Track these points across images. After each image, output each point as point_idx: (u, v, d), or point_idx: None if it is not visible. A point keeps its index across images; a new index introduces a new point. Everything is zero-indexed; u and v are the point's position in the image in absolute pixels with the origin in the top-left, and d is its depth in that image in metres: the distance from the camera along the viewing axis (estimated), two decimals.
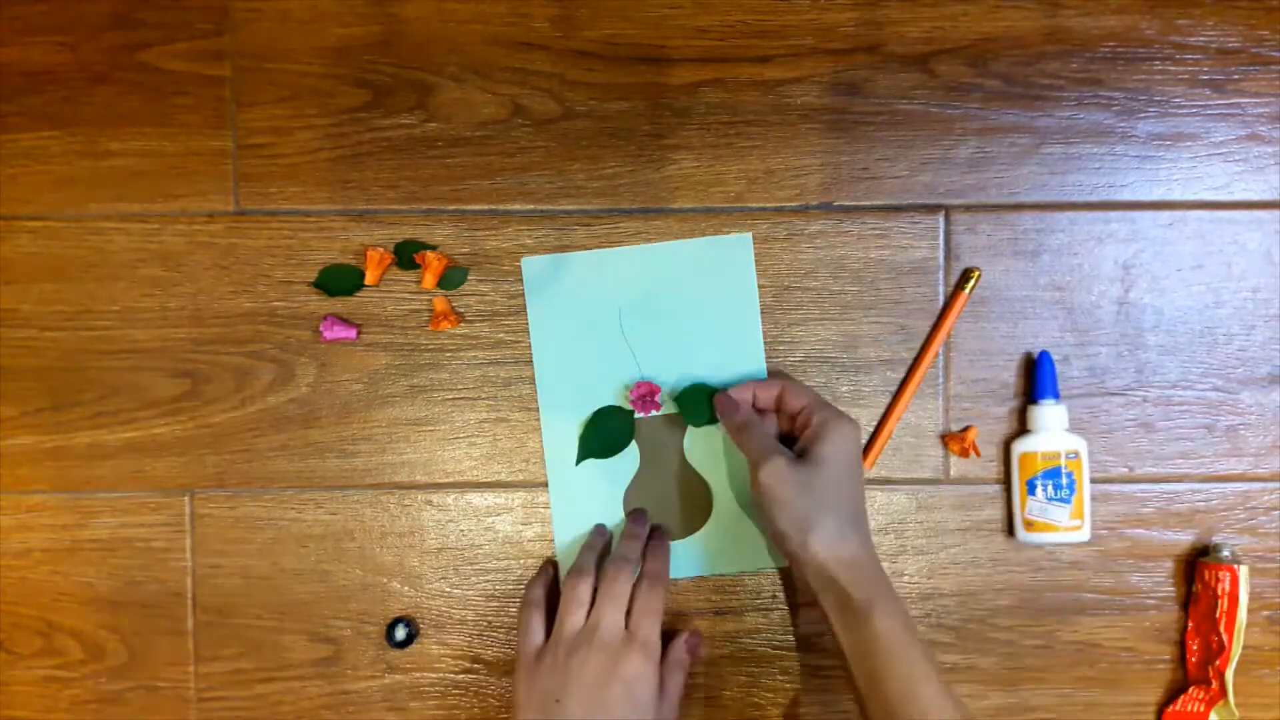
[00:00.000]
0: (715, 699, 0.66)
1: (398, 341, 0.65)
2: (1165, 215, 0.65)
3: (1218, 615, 0.63)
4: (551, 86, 0.65)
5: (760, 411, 0.63)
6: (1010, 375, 0.65)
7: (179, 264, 0.65)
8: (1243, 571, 0.63)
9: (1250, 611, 0.63)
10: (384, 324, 0.65)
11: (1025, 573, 0.65)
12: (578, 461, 0.65)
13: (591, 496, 0.65)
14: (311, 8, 0.65)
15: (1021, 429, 0.65)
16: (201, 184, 0.65)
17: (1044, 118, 0.65)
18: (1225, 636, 0.63)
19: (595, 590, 0.60)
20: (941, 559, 0.65)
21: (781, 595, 0.65)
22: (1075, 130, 0.65)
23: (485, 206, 0.65)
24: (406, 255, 0.64)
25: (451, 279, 0.65)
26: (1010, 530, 0.65)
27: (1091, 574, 0.65)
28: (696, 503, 0.65)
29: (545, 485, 0.65)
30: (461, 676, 0.66)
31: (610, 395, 0.65)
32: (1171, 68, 0.65)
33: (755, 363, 0.65)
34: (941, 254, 0.65)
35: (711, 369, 0.65)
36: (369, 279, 0.64)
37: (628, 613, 0.59)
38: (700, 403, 0.64)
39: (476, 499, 0.66)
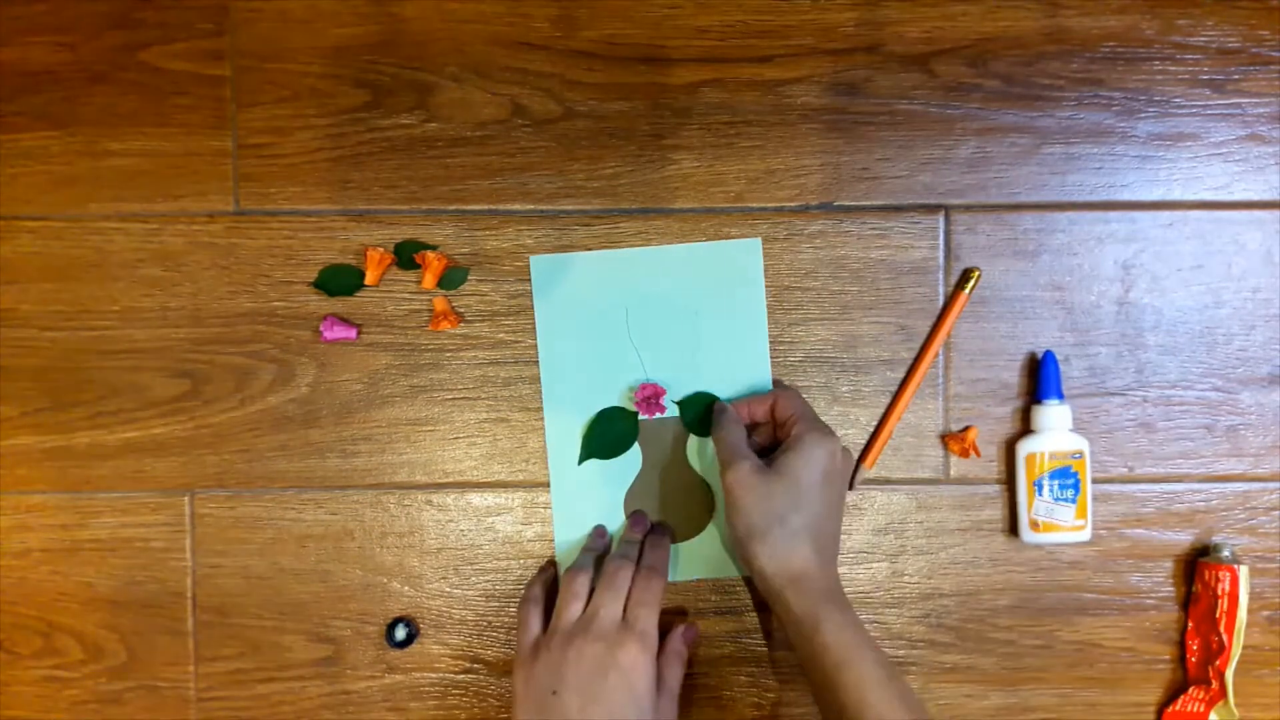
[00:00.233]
0: (715, 699, 0.66)
1: (398, 341, 0.65)
2: (1165, 215, 0.65)
3: (1218, 615, 0.63)
4: (551, 86, 0.65)
5: (756, 424, 0.63)
6: (1010, 375, 0.65)
7: (179, 264, 0.65)
8: (1243, 571, 0.63)
9: (1250, 611, 0.63)
10: (384, 324, 0.65)
11: (1025, 573, 0.65)
12: (580, 461, 0.65)
13: (593, 496, 0.65)
14: (311, 8, 0.65)
15: (1023, 429, 0.65)
16: (201, 184, 0.65)
17: (1044, 118, 0.65)
18: (1225, 636, 0.63)
19: (593, 586, 0.60)
20: (941, 559, 0.65)
21: None
22: (1075, 130, 0.65)
23: (485, 206, 0.65)
24: (406, 255, 0.64)
25: (451, 279, 0.65)
26: (1011, 530, 0.65)
27: (1091, 574, 0.65)
28: (698, 506, 0.65)
29: (545, 485, 0.65)
30: (461, 676, 0.66)
31: (615, 396, 0.65)
32: (1171, 68, 0.65)
33: (761, 367, 0.65)
34: (941, 254, 0.65)
35: (717, 373, 0.65)
36: (369, 279, 0.64)
37: (625, 605, 0.59)
38: (702, 412, 0.64)
39: (476, 499, 0.66)
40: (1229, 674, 0.63)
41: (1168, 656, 0.65)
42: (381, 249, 0.64)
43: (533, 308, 0.65)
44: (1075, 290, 0.65)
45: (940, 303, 0.65)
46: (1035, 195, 0.65)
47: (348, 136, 0.65)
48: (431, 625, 0.66)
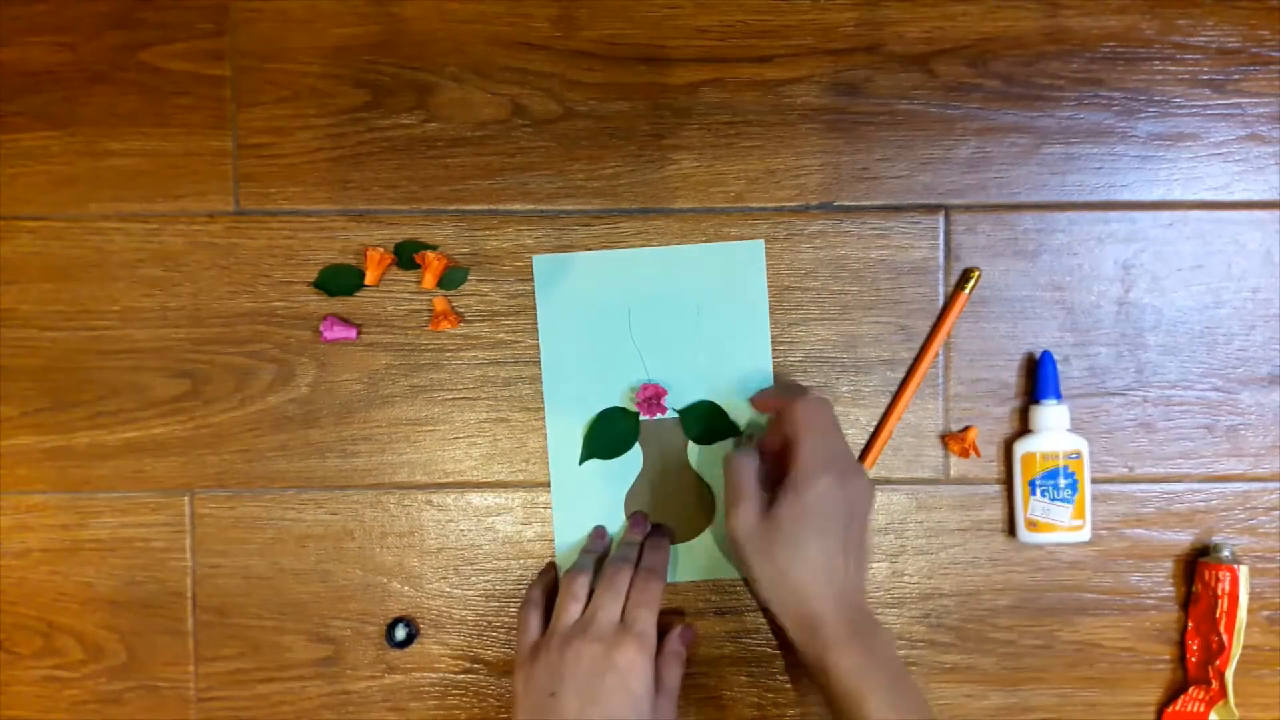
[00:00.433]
0: (715, 699, 0.66)
1: (398, 341, 0.65)
2: (1165, 215, 0.65)
3: (1218, 615, 0.63)
4: (551, 86, 0.65)
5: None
6: (1010, 375, 0.65)
7: (179, 264, 0.65)
8: (1243, 571, 0.63)
9: (1250, 611, 0.63)
10: (384, 324, 0.65)
11: (1025, 573, 0.65)
12: (581, 461, 0.65)
13: (593, 497, 0.65)
14: (311, 8, 0.65)
15: (1022, 429, 0.65)
16: (201, 184, 0.65)
17: (1044, 118, 0.65)
18: (1225, 636, 0.63)
19: (593, 588, 0.60)
20: (941, 559, 0.65)
21: None
22: (1075, 130, 0.65)
23: (485, 206, 0.65)
24: (406, 255, 0.64)
25: (451, 279, 0.65)
26: (1011, 530, 0.65)
27: (1091, 574, 0.65)
28: (698, 507, 0.65)
29: (545, 485, 0.65)
30: (461, 676, 0.66)
31: (616, 396, 0.65)
32: (1171, 68, 0.65)
33: (763, 368, 0.65)
34: (941, 254, 0.65)
35: (719, 374, 0.65)
36: (369, 279, 0.64)
37: (624, 607, 0.59)
38: (704, 420, 0.64)
39: (476, 499, 0.66)
40: (1229, 674, 0.63)
41: (1168, 656, 0.65)
42: (381, 249, 0.64)
43: (534, 307, 0.65)
44: (1075, 290, 0.65)
45: (940, 303, 0.65)
46: (1035, 195, 0.65)
47: (348, 136, 0.65)
48: (431, 625, 0.66)
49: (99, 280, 0.65)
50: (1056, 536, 0.63)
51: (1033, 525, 0.63)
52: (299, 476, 0.65)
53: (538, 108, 0.65)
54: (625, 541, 0.63)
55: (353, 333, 0.65)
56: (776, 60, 0.65)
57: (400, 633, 0.65)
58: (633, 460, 0.65)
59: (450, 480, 0.66)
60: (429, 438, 0.65)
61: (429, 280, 0.64)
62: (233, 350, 0.65)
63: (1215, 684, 0.63)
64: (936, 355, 0.65)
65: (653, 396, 0.64)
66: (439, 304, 0.65)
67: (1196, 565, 0.64)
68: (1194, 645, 0.65)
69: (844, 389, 0.65)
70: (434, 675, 0.66)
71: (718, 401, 0.65)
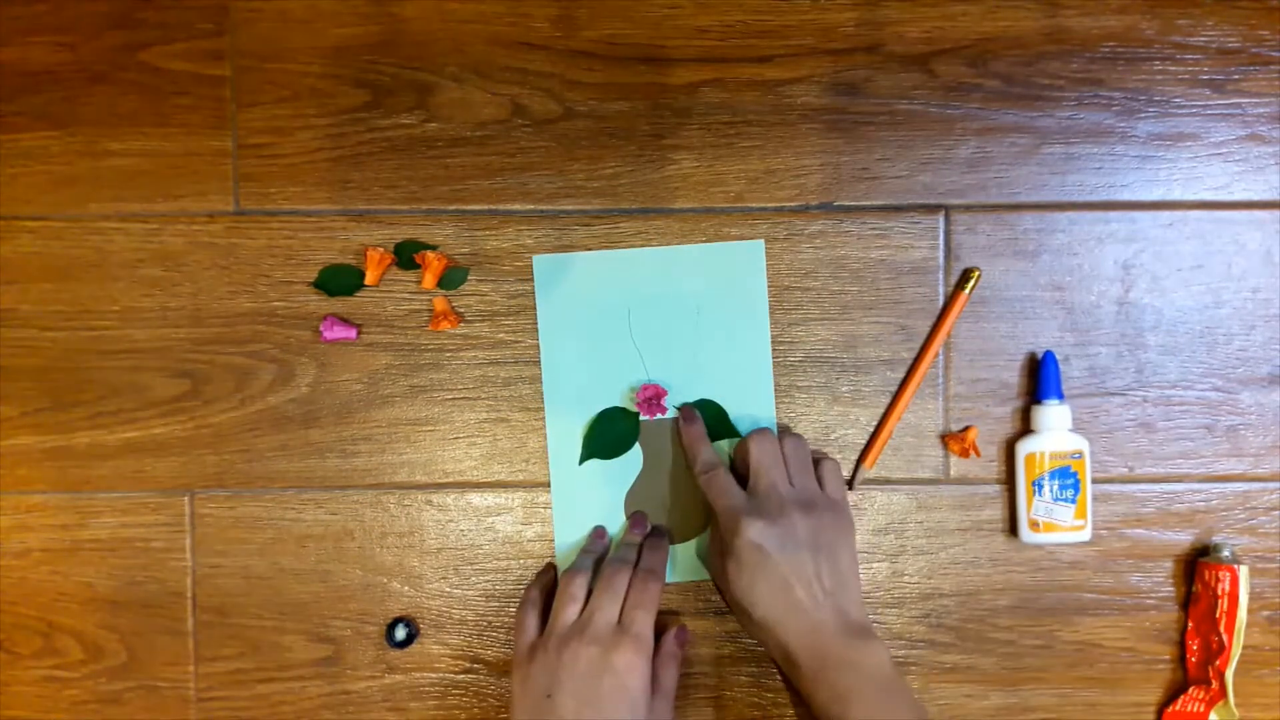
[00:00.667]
0: (715, 699, 0.66)
1: (398, 341, 0.65)
2: (1165, 215, 0.65)
3: (1218, 615, 0.63)
4: (551, 86, 0.65)
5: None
6: (1010, 375, 0.65)
7: (179, 264, 0.65)
8: (1243, 571, 0.63)
9: (1250, 611, 0.63)
10: (384, 324, 0.65)
11: (1025, 573, 0.65)
12: (581, 461, 0.65)
13: (593, 497, 0.65)
14: (311, 8, 0.65)
15: (1023, 429, 0.65)
16: (201, 184, 0.65)
17: (1044, 118, 0.65)
18: (1225, 636, 0.63)
19: (591, 588, 0.60)
20: (941, 559, 0.65)
21: None
22: (1075, 130, 0.65)
23: (485, 206, 0.65)
24: (406, 255, 0.64)
25: (451, 279, 0.65)
26: (1011, 530, 0.65)
27: (1091, 574, 0.65)
28: (698, 508, 0.65)
29: (545, 485, 0.65)
30: (461, 676, 0.66)
31: (616, 396, 0.65)
32: (1171, 68, 0.65)
33: (763, 368, 0.65)
34: (941, 254, 0.65)
35: (719, 374, 0.65)
36: (369, 279, 0.64)
37: (621, 608, 0.59)
38: (704, 420, 0.64)
39: (476, 499, 0.66)
40: (1229, 674, 0.63)
41: (1168, 656, 0.65)
42: (381, 249, 0.64)
43: (534, 307, 0.65)
44: (1075, 290, 0.65)
45: (940, 303, 0.65)
46: (1035, 195, 0.65)
47: (348, 136, 0.65)
48: (431, 625, 0.66)
49: (99, 280, 0.65)
50: (1059, 537, 0.63)
51: (1035, 526, 0.63)
52: (299, 476, 0.65)
53: (538, 108, 0.65)
54: (624, 542, 0.63)
55: (353, 333, 0.65)
56: (776, 60, 0.65)
57: (400, 633, 0.65)
58: (633, 460, 0.65)
59: (450, 480, 0.66)
60: (429, 438, 0.65)
61: (429, 280, 0.64)
62: (233, 350, 0.65)
63: (1215, 684, 0.63)
64: (936, 355, 0.65)
65: (653, 396, 0.64)
66: (439, 304, 0.65)
67: (1196, 565, 0.64)
68: (1194, 645, 0.65)
69: (844, 389, 0.65)
70: (434, 675, 0.66)
71: (718, 401, 0.65)
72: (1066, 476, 0.63)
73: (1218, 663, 0.63)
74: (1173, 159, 0.65)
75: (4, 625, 0.66)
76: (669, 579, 0.65)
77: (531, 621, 0.61)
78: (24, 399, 0.65)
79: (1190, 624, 0.65)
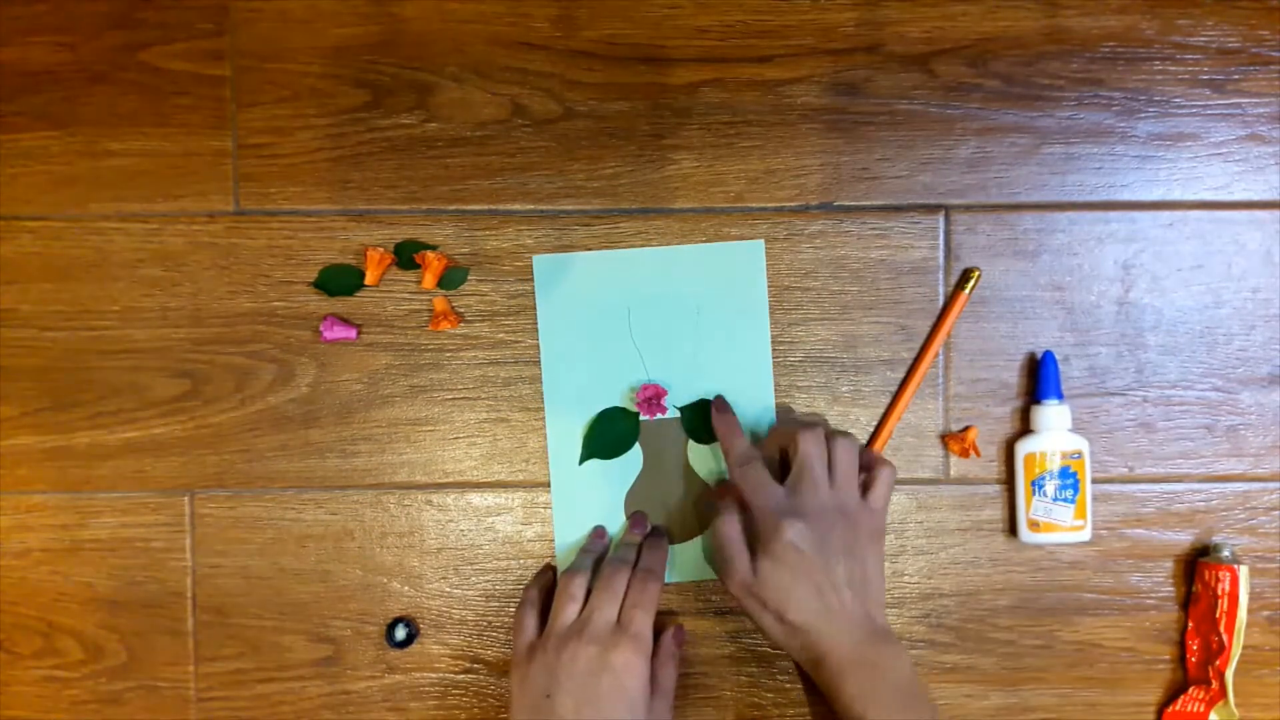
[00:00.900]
0: (715, 699, 0.66)
1: (398, 341, 0.65)
2: (1165, 215, 0.65)
3: (1218, 615, 0.63)
4: (551, 86, 0.65)
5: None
6: (1010, 375, 0.65)
7: (179, 264, 0.65)
8: (1243, 571, 0.63)
9: (1250, 611, 0.63)
10: (384, 324, 0.65)
11: (1025, 573, 0.65)
12: (581, 461, 0.65)
13: (593, 496, 0.65)
14: (311, 8, 0.65)
15: (1023, 429, 0.65)
16: (201, 184, 0.65)
17: (1044, 118, 0.65)
18: (1225, 636, 0.63)
19: (591, 588, 0.60)
20: (941, 559, 0.65)
21: None
22: (1075, 130, 0.65)
23: (485, 206, 0.65)
24: (406, 255, 0.64)
25: (451, 279, 0.65)
26: (1011, 530, 0.65)
27: (1091, 574, 0.65)
28: (698, 508, 0.65)
29: (545, 485, 0.65)
30: (461, 676, 0.66)
31: (616, 396, 0.65)
32: (1171, 68, 0.65)
33: (763, 368, 0.65)
34: (941, 254, 0.65)
35: (719, 374, 0.65)
36: (369, 279, 0.64)
37: (620, 608, 0.59)
38: (704, 420, 0.64)
39: (476, 499, 0.66)
40: (1229, 674, 0.63)
41: (1168, 656, 0.65)
42: (381, 249, 0.64)
43: (534, 307, 0.65)
44: (1075, 290, 0.65)
45: (940, 303, 0.65)
46: (1035, 195, 0.65)
47: (348, 136, 0.65)
48: (431, 625, 0.66)
49: (99, 280, 0.65)
50: (1058, 537, 0.63)
51: (1035, 526, 0.63)
52: (299, 476, 0.65)
53: (538, 108, 0.65)
54: (624, 542, 0.63)
55: (353, 333, 0.65)
56: (776, 60, 0.65)
57: (400, 633, 0.65)
58: (633, 460, 0.65)
59: (450, 480, 0.66)
60: (429, 438, 0.65)
61: (429, 280, 0.64)
62: (233, 350, 0.65)
63: (1215, 684, 0.63)
64: (936, 355, 0.65)
65: (653, 396, 0.64)
66: (439, 304, 0.65)
67: (1196, 565, 0.64)
68: (1194, 645, 0.65)
69: (844, 389, 0.65)
70: (434, 675, 0.66)
71: (733, 409, 0.65)
72: (1066, 476, 0.63)
73: (1218, 663, 0.63)
74: (1173, 159, 0.65)
75: (4, 625, 0.66)
76: (668, 579, 0.65)
77: (530, 622, 0.61)
78: (24, 399, 0.65)
79: (1190, 624, 0.65)
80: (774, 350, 0.65)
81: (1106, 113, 0.65)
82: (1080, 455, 0.63)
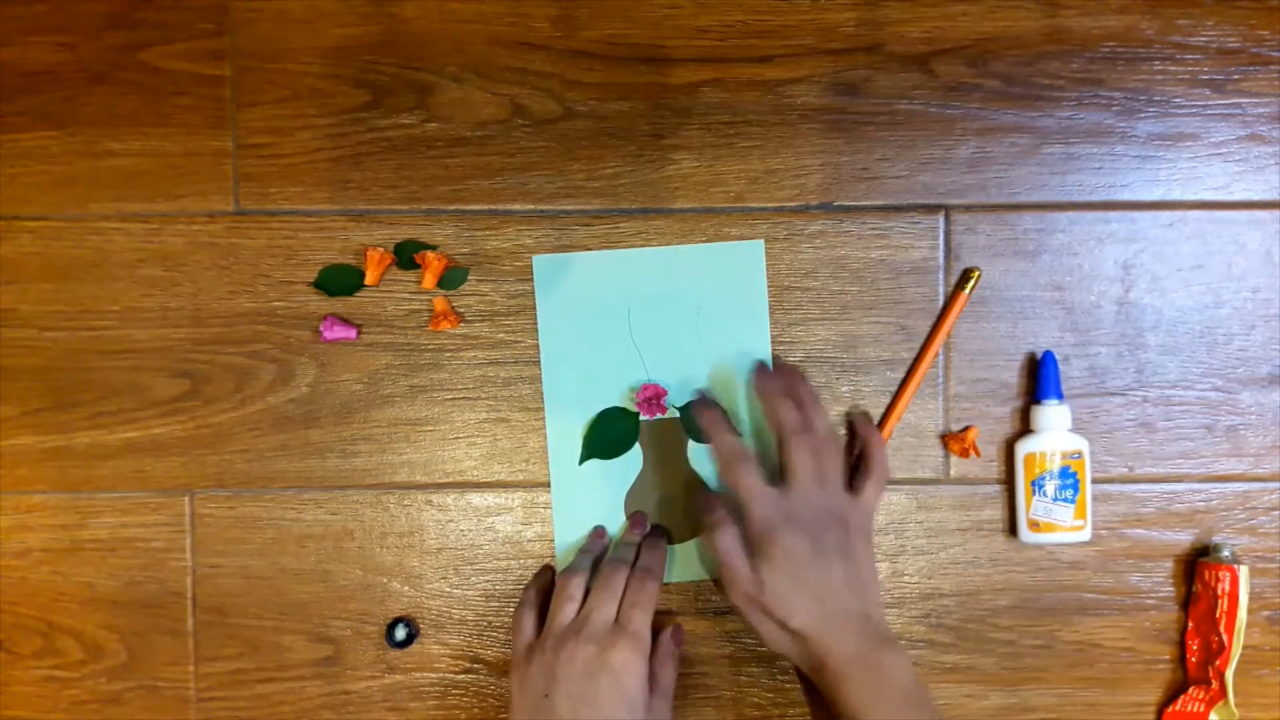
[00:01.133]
0: (715, 699, 0.66)
1: (398, 341, 0.65)
2: (1165, 215, 0.65)
3: (1218, 615, 0.63)
4: (551, 86, 0.65)
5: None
6: (1010, 375, 0.65)
7: (179, 264, 0.65)
8: (1243, 571, 0.63)
9: (1250, 611, 0.63)
10: (384, 324, 0.65)
11: (1025, 573, 0.65)
12: (581, 461, 0.65)
13: (593, 496, 0.65)
14: (311, 8, 0.65)
15: (1023, 429, 0.65)
16: (201, 184, 0.65)
17: (1044, 118, 0.65)
18: (1225, 636, 0.63)
19: (589, 588, 0.60)
20: (941, 559, 0.65)
21: None
22: (1075, 130, 0.65)
23: (485, 206, 0.65)
24: (406, 255, 0.64)
25: (451, 279, 0.65)
26: (1011, 530, 0.65)
27: (1091, 574, 0.65)
28: (697, 508, 0.65)
29: (545, 485, 0.65)
30: (461, 676, 0.66)
31: (616, 396, 0.65)
32: (1171, 68, 0.65)
33: None
34: (941, 254, 0.65)
35: (719, 374, 0.65)
36: (369, 279, 0.64)
37: (619, 607, 0.59)
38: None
39: (476, 499, 0.66)
40: (1229, 674, 0.63)
41: (1168, 656, 0.65)
42: (381, 249, 0.64)
43: (534, 307, 0.65)
44: (1075, 290, 0.65)
45: (940, 303, 0.65)
46: (1035, 195, 0.65)
47: (348, 136, 0.65)
48: (431, 625, 0.66)
49: (99, 280, 0.65)
50: (1058, 537, 0.63)
51: (1035, 525, 0.63)
52: (299, 476, 0.65)
53: (538, 108, 0.65)
54: (623, 541, 0.63)
55: (353, 333, 0.65)
56: (776, 60, 0.65)
57: (400, 633, 0.65)
58: (633, 460, 0.65)
59: (450, 480, 0.66)
60: (429, 438, 0.65)
61: (429, 280, 0.64)
62: (233, 350, 0.65)
63: (1215, 684, 0.63)
64: (936, 355, 0.65)
65: (653, 396, 0.64)
66: (439, 304, 0.65)
67: (1196, 565, 0.64)
68: (1194, 645, 0.65)
69: (844, 389, 0.65)
70: (434, 675, 0.66)
71: (717, 401, 0.65)
72: (1066, 476, 0.63)
73: (1218, 663, 0.63)
74: (1173, 159, 0.65)
75: (4, 625, 0.66)
76: (669, 579, 0.65)
77: (529, 622, 0.61)
78: (24, 399, 0.65)
79: (1190, 624, 0.65)
80: (774, 350, 0.65)
81: (1106, 113, 0.65)
82: (1080, 455, 0.63)
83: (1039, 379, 0.64)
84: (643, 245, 0.65)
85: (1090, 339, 0.65)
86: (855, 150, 0.65)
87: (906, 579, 0.66)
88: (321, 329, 0.65)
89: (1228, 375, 0.65)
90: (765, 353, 0.65)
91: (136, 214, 0.65)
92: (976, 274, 0.64)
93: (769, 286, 0.65)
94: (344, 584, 0.65)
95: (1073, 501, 0.63)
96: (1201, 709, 0.64)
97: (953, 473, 0.65)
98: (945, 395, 0.65)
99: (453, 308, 0.65)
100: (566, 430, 0.65)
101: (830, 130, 0.65)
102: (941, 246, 0.65)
